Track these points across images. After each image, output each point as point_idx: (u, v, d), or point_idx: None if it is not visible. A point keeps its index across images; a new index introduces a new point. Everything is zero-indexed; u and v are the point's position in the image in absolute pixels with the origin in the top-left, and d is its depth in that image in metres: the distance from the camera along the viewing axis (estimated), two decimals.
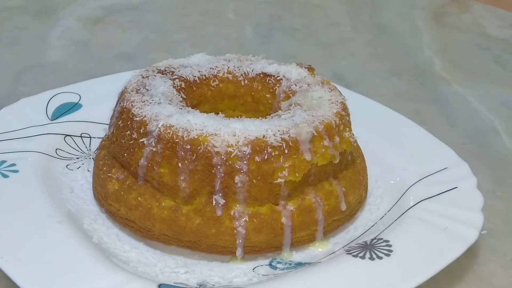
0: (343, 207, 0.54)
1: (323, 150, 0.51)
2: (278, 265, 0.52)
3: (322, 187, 0.53)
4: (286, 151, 0.49)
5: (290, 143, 0.50)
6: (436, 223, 0.52)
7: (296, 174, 0.50)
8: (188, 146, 0.49)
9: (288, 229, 0.51)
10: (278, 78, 0.59)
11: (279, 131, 0.50)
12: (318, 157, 0.51)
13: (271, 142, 0.49)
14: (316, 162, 0.51)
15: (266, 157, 0.49)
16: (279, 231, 0.51)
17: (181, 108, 0.53)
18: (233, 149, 0.49)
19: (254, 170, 0.49)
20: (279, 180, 0.50)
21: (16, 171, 0.55)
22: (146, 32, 0.95)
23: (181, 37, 0.94)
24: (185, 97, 0.57)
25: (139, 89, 0.55)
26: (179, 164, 0.50)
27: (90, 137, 0.63)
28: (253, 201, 0.51)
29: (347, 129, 0.54)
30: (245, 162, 0.49)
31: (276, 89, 0.59)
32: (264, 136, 0.50)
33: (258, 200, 0.51)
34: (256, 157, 0.49)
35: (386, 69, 0.88)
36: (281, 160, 0.49)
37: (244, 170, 0.49)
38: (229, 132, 0.49)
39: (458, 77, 0.86)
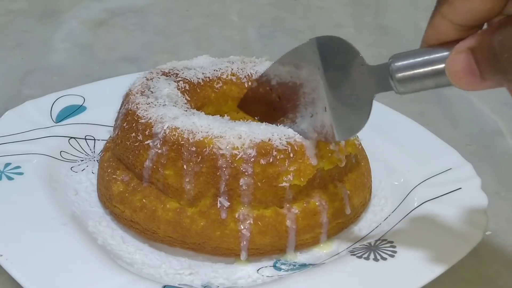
0: (348, 211, 0.54)
1: (330, 154, 0.51)
2: (283, 266, 0.52)
3: (327, 190, 0.53)
4: (291, 155, 0.49)
5: (296, 148, 0.50)
6: (440, 224, 0.52)
7: (301, 179, 0.50)
8: (194, 148, 0.49)
9: (292, 232, 0.52)
10: None
11: (285, 135, 0.50)
12: (324, 161, 0.51)
13: (277, 146, 0.49)
14: (322, 167, 0.51)
15: (271, 160, 0.49)
16: (284, 234, 0.51)
17: (186, 110, 0.53)
18: (239, 152, 0.49)
19: (259, 173, 0.49)
20: (284, 184, 0.50)
21: (21, 174, 0.56)
22: (150, 35, 0.95)
23: (185, 39, 0.94)
24: (189, 99, 0.57)
25: (143, 91, 0.56)
26: (184, 166, 0.50)
27: (94, 139, 0.63)
28: (257, 204, 0.51)
29: None
30: (250, 164, 0.49)
31: None
32: (269, 140, 0.50)
33: (263, 203, 0.51)
34: (261, 160, 0.49)
35: None
36: (286, 164, 0.49)
37: (249, 172, 0.49)
38: (234, 135, 0.49)
39: None
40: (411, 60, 0.40)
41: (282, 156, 0.49)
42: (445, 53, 0.39)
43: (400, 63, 0.41)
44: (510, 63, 0.35)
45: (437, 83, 0.40)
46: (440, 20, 0.38)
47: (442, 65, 0.39)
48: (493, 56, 0.35)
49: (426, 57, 0.40)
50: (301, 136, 0.50)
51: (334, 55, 0.47)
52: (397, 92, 0.42)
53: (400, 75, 0.41)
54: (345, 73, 0.46)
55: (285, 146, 0.49)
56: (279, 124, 0.52)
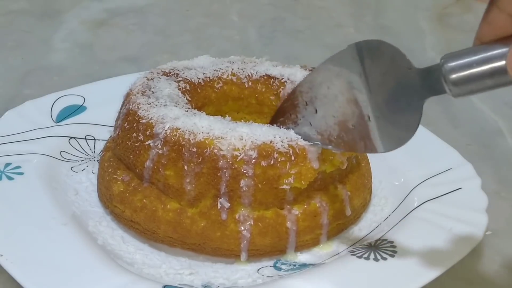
0: (348, 212, 0.54)
1: (331, 157, 0.51)
2: (283, 266, 0.52)
3: (328, 191, 0.53)
4: (292, 158, 0.49)
5: (298, 151, 0.49)
6: (441, 224, 0.52)
7: (302, 182, 0.49)
8: (194, 149, 0.49)
9: (293, 233, 0.51)
10: (282, 81, 0.59)
11: (287, 137, 0.50)
12: (326, 164, 0.51)
13: (278, 148, 0.49)
14: (324, 170, 0.51)
15: (272, 162, 0.49)
16: (284, 235, 0.51)
17: (187, 111, 0.53)
18: (239, 153, 0.49)
19: (260, 175, 0.49)
20: (285, 186, 0.50)
21: (21, 174, 0.56)
22: (150, 35, 0.95)
23: (185, 39, 0.94)
24: (190, 99, 0.57)
25: (144, 91, 0.56)
26: (185, 167, 0.50)
27: (95, 139, 0.63)
28: (258, 205, 0.51)
29: None
30: (251, 166, 0.49)
31: (280, 91, 0.59)
32: (271, 142, 0.49)
33: (263, 204, 0.51)
34: (262, 162, 0.49)
35: None
36: (287, 167, 0.49)
37: (250, 174, 0.49)
38: (235, 136, 0.49)
39: None
40: (466, 59, 0.38)
41: (283, 158, 0.49)
42: (505, 49, 0.36)
43: (454, 63, 0.38)
44: None
45: (496, 82, 0.37)
46: (497, 14, 0.36)
47: (502, 62, 0.36)
48: None
49: (482, 55, 0.37)
50: (303, 142, 0.50)
51: (376, 60, 0.44)
52: (451, 95, 0.39)
53: (454, 76, 0.38)
54: (391, 78, 0.43)
55: (287, 149, 0.49)
56: (281, 126, 0.52)
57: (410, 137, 0.42)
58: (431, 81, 0.40)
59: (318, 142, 0.49)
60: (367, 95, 0.44)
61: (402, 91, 0.42)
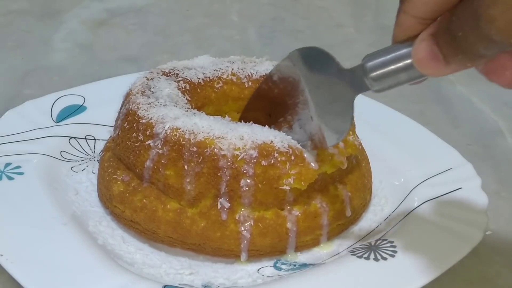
0: (348, 213, 0.54)
1: (330, 157, 0.51)
2: (283, 266, 0.52)
3: (328, 192, 0.53)
4: (292, 158, 0.49)
5: (297, 152, 0.50)
6: (441, 224, 0.52)
7: (302, 183, 0.49)
8: (195, 149, 0.49)
9: (293, 234, 0.51)
10: None
11: (286, 138, 0.50)
12: (326, 165, 0.51)
13: (278, 147, 0.49)
14: (325, 171, 0.51)
15: (272, 161, 0.49)
16: (284, 235, 0.51)
17: (186, 111, 0.53)
18: (240, 152, 0.49)
19: (260, 174, 0.49)
20: (285, 187, 0.49)
21: (21, 173, 0.56)
22: (150, 35, 0.96)
23: (185, 39, 0.94)
24: (189, 99, 0.57)
25: (144, 91, 0.56)
26: (185, 167, 0.50)
27: (95, 139, 0.63)
28: (258, 206, 0.50)
29: (351, 132, 0.54)
30: (251, 165, 0.49)
31: None
32: (271, 142, 0.49)
33: (263, 204, 0.51)
34: (263, 161, 0.49)
35: None
36: (287, 167, 0.49)
37: (250, 173, 0.49)
38: (236, 136, 0.49)
39: (462, 77, 0.86)
40: (383, 58, 0.42)
41: (283, 158, 0.49)
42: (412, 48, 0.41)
43: (373, 62, 0.42)
44: (465, 40, 0.35)
45: (409, 76, 0.41)
46: (403, 16, 0.40)
47: (411, 59, 0.40)
48: (450, 37, 0.36)
49: (396, 53, 0.41)
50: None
51: (313, 64, 0.48)
52: (374, 91, 0.43)
53: (374, 74, 0.42)
54: (325, 80, 0.47)
55: (287, 149, 0.49)
56: (280, 129, 0.52)
57: (346, 131, 0.47)
58: (357, 80, 0.44)
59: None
60: (309, 97, 0.49)
61: (335, 91, 0.46)
